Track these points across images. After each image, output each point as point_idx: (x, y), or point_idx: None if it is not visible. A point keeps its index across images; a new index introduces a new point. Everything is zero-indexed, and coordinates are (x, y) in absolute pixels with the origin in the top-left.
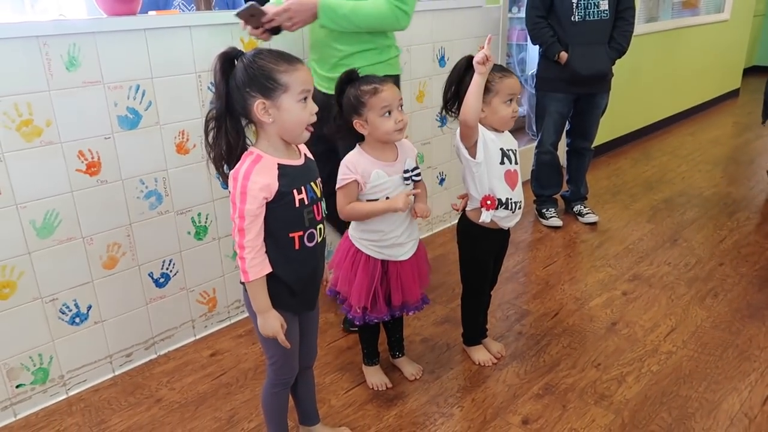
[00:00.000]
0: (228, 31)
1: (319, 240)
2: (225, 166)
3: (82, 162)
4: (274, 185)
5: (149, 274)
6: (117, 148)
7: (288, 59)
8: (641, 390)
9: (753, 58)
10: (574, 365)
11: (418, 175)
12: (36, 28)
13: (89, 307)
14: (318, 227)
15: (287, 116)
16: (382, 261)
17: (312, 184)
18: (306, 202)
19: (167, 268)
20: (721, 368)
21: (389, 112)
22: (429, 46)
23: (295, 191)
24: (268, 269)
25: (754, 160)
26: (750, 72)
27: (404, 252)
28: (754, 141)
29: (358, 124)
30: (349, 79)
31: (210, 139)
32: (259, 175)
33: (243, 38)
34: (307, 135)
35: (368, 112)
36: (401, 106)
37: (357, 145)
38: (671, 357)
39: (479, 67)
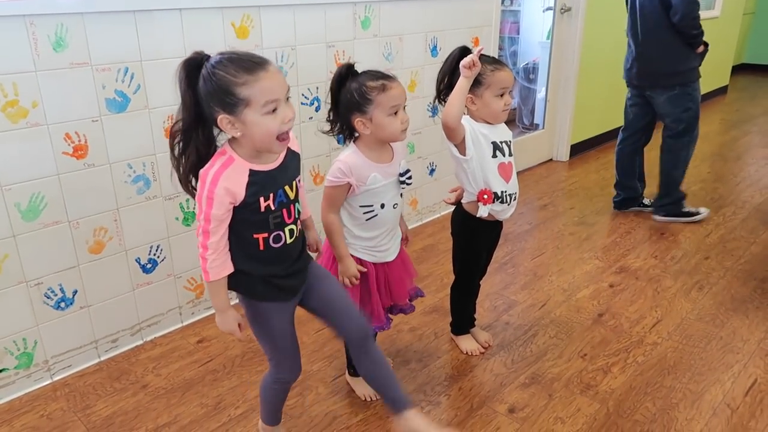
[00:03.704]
0: (219, 15)
1: (289, 241)
2: (193, 180)
3: (69, 145)
4: (241, 193)
5: (136, 260)
6: (105, 131)
7: (247, 68)
8: (626, 380)
9: (742, 55)
10: (560, 355)
11: (410, 178)
12: (23, 7)
13: (75, 292)
14: (287, 228)
15: (254, 130)
16: (373, 264)
17: (285, 188)
18: (273, 208)
19: (155, 254)
20: (705, 360)
21: (396, 112)
22: (421, 35)
23: (261, 199)
24: (229, 270)
25: (741, 156)
26: (738, 69)
27: (390, 254)
28: (741, 138)
29: (359, 123)
30: (348, 72)
31: (176, 153)
32: (227, 180)
33: (234, 23)
34: (281, 146)
35: (374, 110)
36: (405, 105)
37: (352, 143)
38: (656, 348)
39: (465, 71)
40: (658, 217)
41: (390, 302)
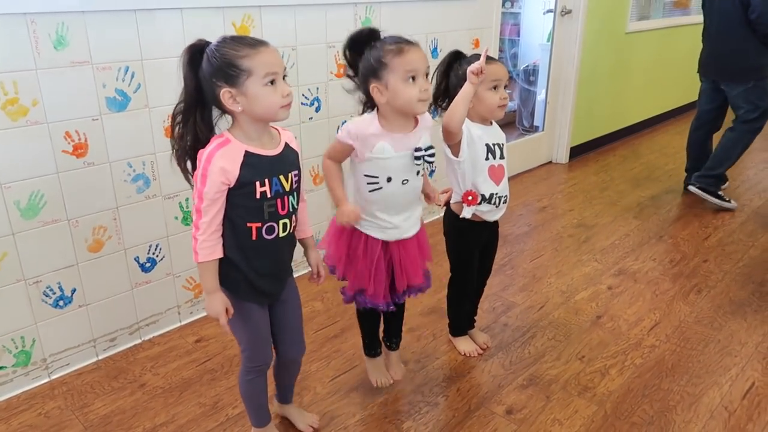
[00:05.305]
0: (220, 14)
1: (282, 234)
2: (188, 162)
3: (69, 143)
4: (235, 173)
5: (135, 259)
6: (105, 130)
7: (250, 43)
8: (624, 382)
9: None
10: (558, 357)
11: (432, 155)
12: (24, 5)
13: (73, 291)
14: (281, 221)
15: (255, 102)
16: (384, 242)
17: (281, 176)
18: (268, 195)
19: (153, 253)
20: (702, 362)
21: (413, 78)
22: (422, 36)
23: (257, 183)
24: (219, 254)
25: (741, 160)
26: None
27: (402, 232)
28: None
29: (375, 90)
30: (371, 37)
31: (176, 132)
32: (221, 159)
33: (234, 22)
34: (285, 113)
35: (389, 74)
36: (428, 74)
37: (375, 108)
38: (654, 351)
39: (472, 77)
40: (692, 188)
41: (405, 283)
